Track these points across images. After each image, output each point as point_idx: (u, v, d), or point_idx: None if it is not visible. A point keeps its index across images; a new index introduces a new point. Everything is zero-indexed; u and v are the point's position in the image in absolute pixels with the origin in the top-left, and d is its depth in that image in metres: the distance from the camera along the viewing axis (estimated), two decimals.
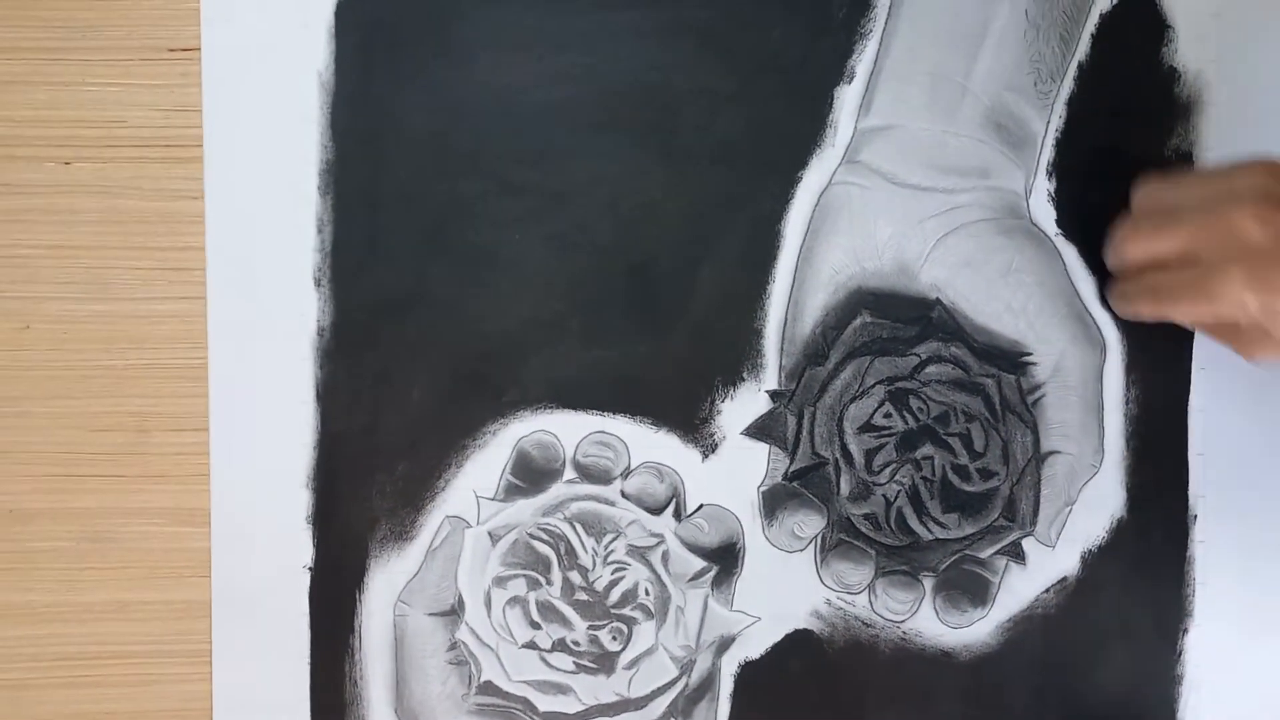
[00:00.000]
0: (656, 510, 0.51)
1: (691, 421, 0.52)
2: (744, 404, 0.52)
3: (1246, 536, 0.52)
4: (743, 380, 0.52)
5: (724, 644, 0.52)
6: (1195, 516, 0.52)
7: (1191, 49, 0.51)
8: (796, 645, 0.52)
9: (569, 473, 0.51)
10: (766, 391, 0.51)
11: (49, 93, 0.50)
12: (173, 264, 0.51)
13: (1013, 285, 0.51)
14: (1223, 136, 0.51)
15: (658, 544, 0.51)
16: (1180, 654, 0.52)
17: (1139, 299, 0.48)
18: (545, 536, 0.51)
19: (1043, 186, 0.51)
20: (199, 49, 0.50)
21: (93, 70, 0.50)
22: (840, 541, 0.51)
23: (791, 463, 0.51)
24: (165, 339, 0.51)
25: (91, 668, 0.52)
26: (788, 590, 0.52)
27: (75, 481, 0.51)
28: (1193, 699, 0.52)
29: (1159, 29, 0.51)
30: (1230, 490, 0.52)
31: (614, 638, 0.51)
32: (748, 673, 0.52)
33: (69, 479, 0.51)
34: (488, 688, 0.51)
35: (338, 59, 0.50)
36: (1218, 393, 0.52)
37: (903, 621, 0.52)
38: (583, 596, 0.51)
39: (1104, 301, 0.51)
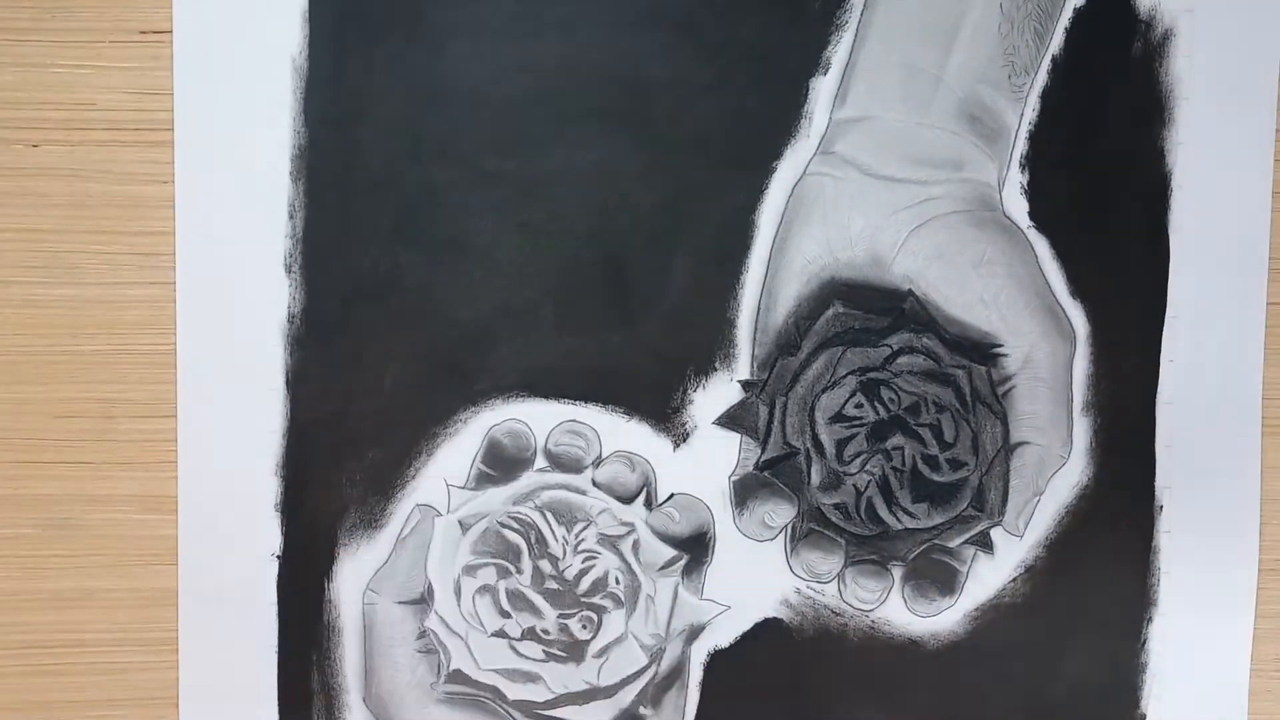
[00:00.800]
0: (627, 499, 0.51)
1: (663, 411, 0.52)
2: (716, 394, 0.52)
3: (1211, 527, 0.53)
4: (715, 370, 0.52)
5: (694, 632, 0.52)
6: (1161, 507, 0.53)
7: (1165, 42, 0.52)
8: (766, 634, 0.52)
9: (540, 461, 0.51)
10: (739, 381, 0.52)
11: (17, 74, 0.49)
12: (142, 249, 0.50)
13: (985, 277, 0.51)
14: (1197, 130, 0.52)
15: (628, 533, 0.51)
16: (1144, 642, 0.53)
17: None
18: (516, 525, 0.51)
19: (1015, 179, 0.52)
20: (170, 31, 0.50)
21: (62, 52, 0.49)
22: (810, 531, 0.52)
23: (763, 452, 0.51)
24: (133, 325, 0.51)
25: (56, 656, 0.51)
26: (758, 579, 0.52)
27: (40, 468, 0.51)
28: (1156, 686, 0.53)
29: (1132, 23, 0.52)
30: (1196, 482, 0.53)
31: (584, 626, 0.51)
32: (717, 661, 0.52)
33: (34, 465, 0.51)
34: (457, 676, 0.51)
35: (311, 44, 0.50)
36: (1186, 386, 0.52)
37: (871, 610, 0.52)
38: (553, 585, 0.51)
39: (1075, 293, 0.52)
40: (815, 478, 0.51)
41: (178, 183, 0.50)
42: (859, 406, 0.51)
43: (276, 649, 0.51)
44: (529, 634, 0.51)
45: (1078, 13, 0.51)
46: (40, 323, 0.50)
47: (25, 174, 0.50)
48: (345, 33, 0.50)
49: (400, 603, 0.51)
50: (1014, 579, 0.52)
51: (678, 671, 0.52)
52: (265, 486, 0.51)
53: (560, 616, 0.51)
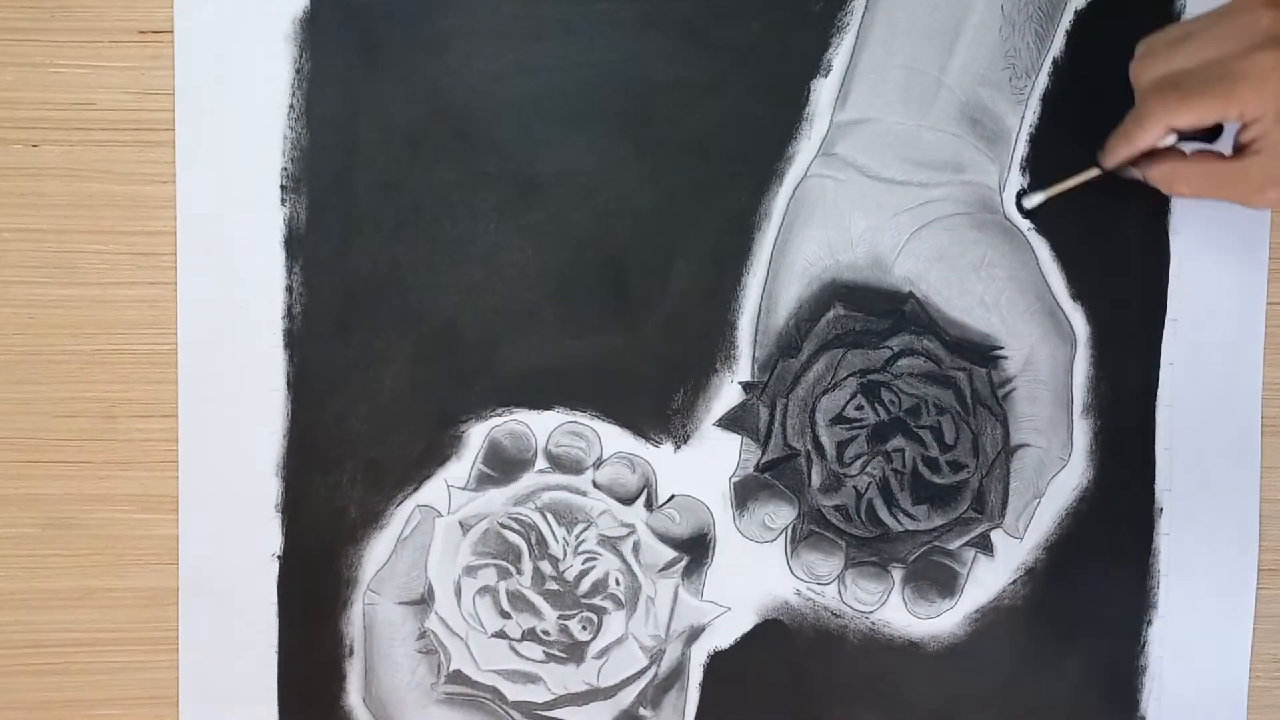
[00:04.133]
0: (628, 500, 0.51)
1: (664, 412, 0.52)
2: (717, 395, 0.52)
3: (1210, 530, 0.53)
4: (716, 371, 0.52)
5: (694, 634, 0.52)
6: (1161, 510, 0.53)
7: None
8: (766, 635, 0.52)
9: (540, 462, 0.51)
10: (739, 383, 0.52)
11: (17, 74, 0.49)
12: (141, 249, 0.50)
13: (985, 279, 0.51)
14: None
15: (629, 534, 0.51)
16: (1144, 645, 0.53)
17: (1158, 97, 0.46)
18: (516, 526, 0.51)
19: (1016, 181, 0.52)
20: (170, 31, 0.50)
21: (62, 52, 0.49)
22: (811, 532, 0.52)
23: (763, 454, 0.51)
24: (133, 324, 0.51)
25: (57, 655, 0.51)
26: (758, 581, 0.52)
27: (41, 467, 0.51)
28: (1155, 689, 0.53)
29: (1133, 25, 0.51)
30: (1195, 485, 0.53)
31: (584, 627, 0.51)
32: (717, 662, 0.52)
33: (34, 465, 0.51)
34: (457, 677, 0.51)
35: (313, 45, 0.50)
36: (1185, 389, 0.53)
37: (871, 612, 0.52)
38: (553, 586, 0.51)
39: (1075, 296, 0.52)
40: (816, 479, 0.51)
41: (179, 182, 0.50)
42: (860, 408, 0.51)
43: (276, 649, 0.51)
44: (529, 635, 0.51)
45: (1079, 15, 0.51)
46: (40, 322, 0.50)
47: (25, 174, 0.50)
48: (347, 34, 0.50)
49: (400, 603, 0.51)
50: (1014, 581, 0.53)
51: (678, 673, 0.52)
52: (266, 487, 0.51)
53: (560, 617, 0.51)
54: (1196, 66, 0.45)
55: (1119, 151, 0.48)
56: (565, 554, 0.51)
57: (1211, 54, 0.44)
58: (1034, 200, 0.51)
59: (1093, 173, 0.50)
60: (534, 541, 0.51)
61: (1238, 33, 0.44)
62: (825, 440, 0.51)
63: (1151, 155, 0.47)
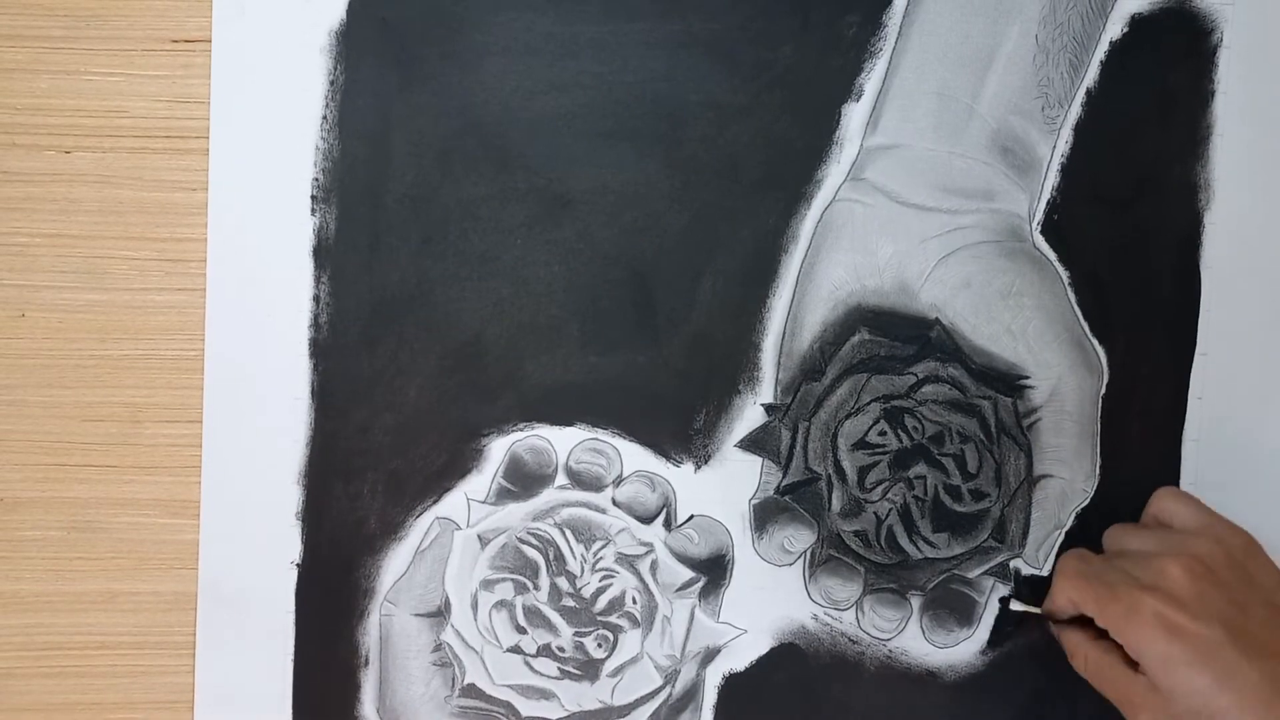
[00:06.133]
0: (647, 519, 0.51)
1: (686, 432, 0.52)
2: (739, 416, 0.52)
3: None
4: (738, 393, 0.52)
5: (709, 655, 0.52)
6: None
7: (1200, 78, 0.51)
8: (782, 659, 0.52)
9: (561, 478, 0.51)
10: (762, 405, 0.51)
11: (51, 81, 0.50)
12: (170, 255, 0.51)
13: (1013, 308, 0.51)
14: (1231, 167, 0.51)
15: (647, 553, 0.51)
16: None
17: (1075, 564, 0.47)
18: (534, 541, 0.51)
19: (1046, 211, 0.51)
20: (202, 41, 0.50)
21: (95, 60, 0.50)
22: (829, 557, 0.51)
23: (784, 477, 0.51)
24: (161, 330, 0.51)
25: (77, 658, 0.52)
26: (775, 604, 0.52)
27: (66, 471, 0.51)
28: None
29: (1168, 57, 0.51)
30: None
31: (599, 645, 0.51)
32: (731, 685, 0.52)
33: (60, 468, 0.51)
34: (471, 690, 0.51)
35: (348, 58, 0.50)
36: (1212, 424, 0.52)
37: (889, 640, 0.52)
38: (569, 603, 0.51)
39: (1104, 328, 0.51)
40: (836, 504, 0.51)
41: (211, 190, 0.50)
42: (882, 434, 0.51)
43: (292, 657, 0.51)
44: (544, 651, 0.51)
45: (1113, 45, 0.51)
46: (69, 327, 0.51)
47: (57, 180, 0.50)
48: (381, 48, 0.50)
49: (417, 615, 0.51)
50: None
51: (692, 694, 0.52)
52: (287, 495, 0.51)
53: (576, 634, 0.51)
54: (1126, 559, 0.46)
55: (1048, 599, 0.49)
56: (583, 571, 0.51)
57: (1135, 561, 0.46)
58: (1017, 606, 0.51)
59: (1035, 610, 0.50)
60: (552, 557, 0.51)
61: (1152, 563, 0.45)
62: (847, 465, 0.51)
63: (1081, 619, 0.47)
